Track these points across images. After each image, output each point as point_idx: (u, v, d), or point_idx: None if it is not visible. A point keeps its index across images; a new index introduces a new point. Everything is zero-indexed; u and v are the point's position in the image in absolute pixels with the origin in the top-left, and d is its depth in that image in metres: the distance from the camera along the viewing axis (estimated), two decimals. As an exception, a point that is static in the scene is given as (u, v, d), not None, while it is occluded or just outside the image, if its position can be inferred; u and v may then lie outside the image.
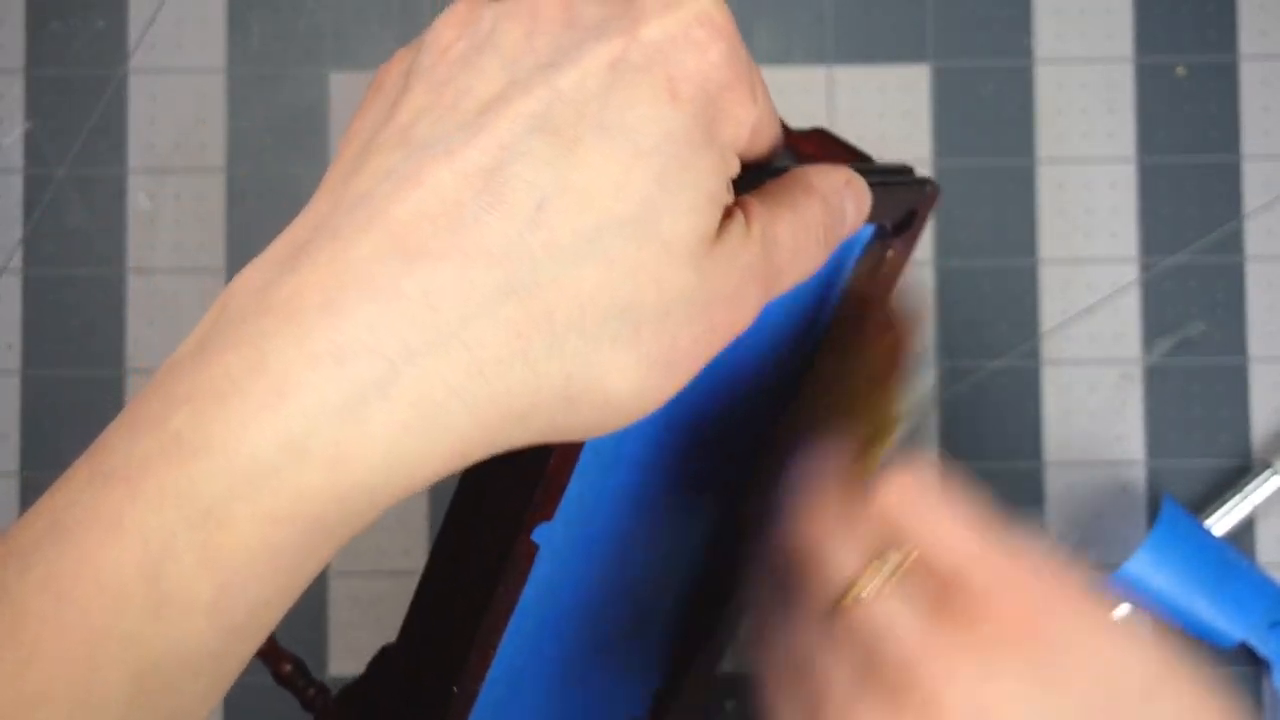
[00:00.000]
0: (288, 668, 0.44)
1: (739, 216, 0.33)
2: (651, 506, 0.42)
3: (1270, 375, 0.55)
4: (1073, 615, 0.34)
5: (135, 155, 0.56)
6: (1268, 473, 0.54)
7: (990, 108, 0.56)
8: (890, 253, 0.42)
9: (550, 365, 0.30)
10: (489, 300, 0.29)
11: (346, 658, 0.55)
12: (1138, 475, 0.55)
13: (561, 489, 0.36)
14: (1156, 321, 0.56)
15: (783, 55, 0.57)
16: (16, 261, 0.56)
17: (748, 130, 0.32)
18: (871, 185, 0.36)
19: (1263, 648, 0.53)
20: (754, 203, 0.33)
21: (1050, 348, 0.56)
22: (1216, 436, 0.55)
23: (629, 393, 0.31)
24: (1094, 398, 0.55)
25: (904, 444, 0.39)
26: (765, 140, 0.34)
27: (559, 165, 0.30)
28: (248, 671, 0.56)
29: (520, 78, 0.31)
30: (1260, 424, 0.55)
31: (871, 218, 0.37)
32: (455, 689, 0.38)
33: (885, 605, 0.36)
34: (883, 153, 0.56)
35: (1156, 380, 0.55)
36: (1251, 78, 0.56)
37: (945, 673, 0.34)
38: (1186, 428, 0.55)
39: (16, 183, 0.56)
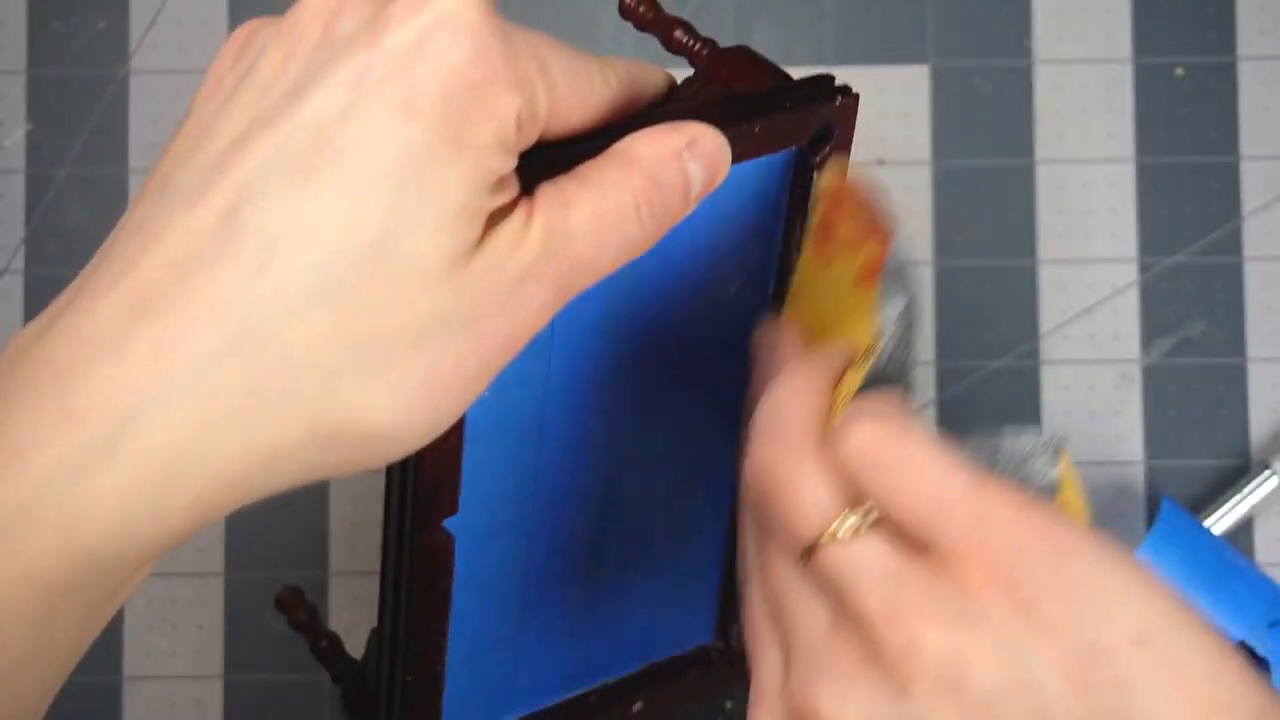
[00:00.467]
0: (302, 615, 0.44)
1: (517, 216, 0.32)
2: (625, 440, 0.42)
3: (1269, 375, 0.55)
4: (1056, 558, 0.32)
5: (136, 155, 0.56)
6: (1266, 473, 0.54)
7: (990, 108, 0.56)
8: (818, 173, 0.40)
9: (290, 411, 0.30)
10: (219, 353, 0.29)
11: (347, 657, 0.55)
12: (1136, 475, 0.55)
13: (451, 486, 0.36)
14: (1155, 322, 0.56)
15: (783, 55, 0.57)
16: (18, 262, 0.56)
17: (514, 122, 0.31)
18: (774, 112, 0.36)
19: (1261, 647, 0.53)
20: (543, 195, 0.32)
21: (1049, 348, 0.56)
22: (1215, 436, 0.55)
23: (389, 425, 0.30)
24: (1093, 398, 0.55)
25: (886, 373, 0.37)
26: (578, 113, 0.33)
27: (291, 202, 0.30)
28: (250, 669, 0.56)
29: (267, 110, 0.31)
30: (1259, 424, 0.55)
31: (780, 143, 0.36)
32: (410, 678, 0.39)
33: (861, 548, 0.34)
34: (883, 153, 0.56)
35: (1155, 380, 0.55)
36: (1250, 78, 0.56)
37: (923, 621, 0.33)
38: (1185, 428, 0.55)
39: (18, 183, 0.56)
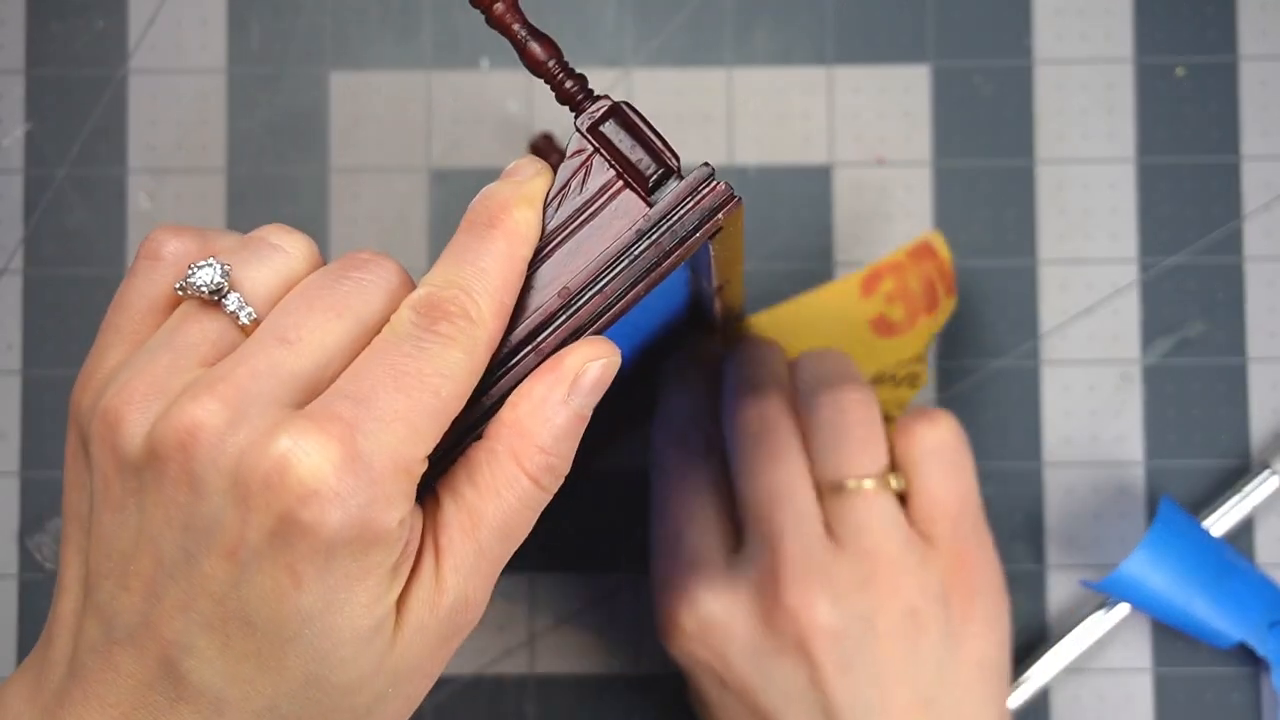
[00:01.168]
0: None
1: (426, 571, 0.36)
2: None
3: (1269, 376, 0.55)
4: (990, 578, 0.50)
5: (135, 156, 0.56)
6: (1266, 473, 0.54)
7: (990, 108, 0.56)
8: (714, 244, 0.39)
9: None
10: None
11: (347, 657, 0.55)
12: (1136, 475, 0.55)
13: None
14: (1156, 322, 0.56)
15: (783, 55, 0.57)
16: (17, 262, 0.56)
17: (398, 531, 0.35)
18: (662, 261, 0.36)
19: (1261, 648, 0.53)
20: (446, 529, 0.37)
21: (1049, 348, 0.56)
22: (1215, 437, 0.55)
23: None
24: (1093, 398, 0.55)
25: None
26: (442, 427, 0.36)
27: (222, 662, 0.35)
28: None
29: (167, 563, 0.35)
30: (1259, 424, 0.55)
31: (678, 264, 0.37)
32: None
33: (881, 501, 0.48)
34: (883, 153, 0.56)
35: (1155, 381, 0.55)
36: (1251, 78, 0.56)
37: (915, 570, 0.48)
38: (1185, 428, 0.55)
39: (17, 183, 0.56)
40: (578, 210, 0.37)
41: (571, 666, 0.55)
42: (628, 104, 0.37)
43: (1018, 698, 0.53)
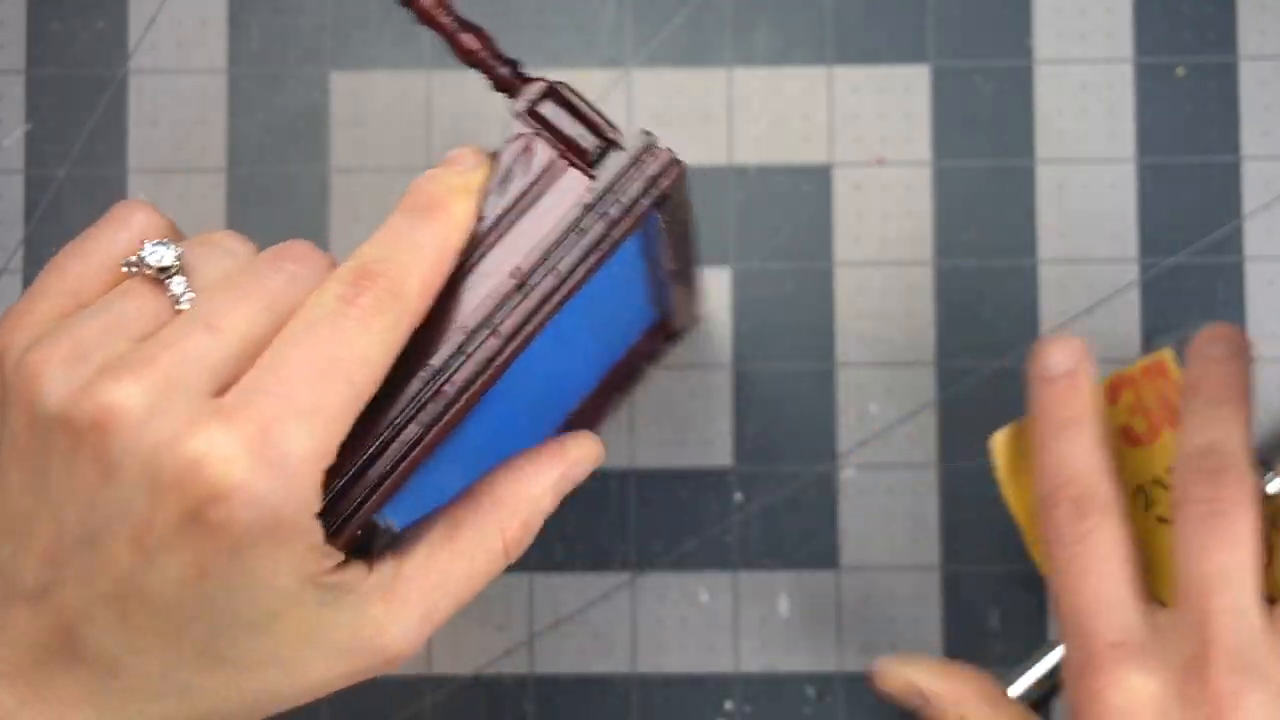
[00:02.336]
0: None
1: (367, 611, 0.39)
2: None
3: (1270, 376, 0.55)
4: None
5: (136, 156, 0.56)
6: (1269, 475, 0.54)
7: (990, 108, 0.56)
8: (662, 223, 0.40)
9: None
10: None
11: (347, 657, 0.55)
12: (1137, 475, 0.55)
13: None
14: (1156, 322, 0.56)
15: (783, 55, 0.57)
16: (17, 262, 0.56)
17: (314, 522, 0.36)
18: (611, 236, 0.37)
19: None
20: (405, 588, 0.39)
21: (1050, 348, 0.56)
22: (1216, 437, 0.55)
23: None
24: (1093, 398, 0.55)
25: None
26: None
27: (120, 631, 0.36)
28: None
29: (67, 545, 0.36)
30: (1259, 424, 0.55)
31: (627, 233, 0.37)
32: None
33: None
34: (883, 153, 0.56)
35: (1156, 380, 0.55)
36: (1251, 78, 0.56)
37: None
38: (1186, 428, 0.55)
39: (17, 183, 0.56)
40: (522, 193, 0.37)
41: (571, 666, 0.55)
42: (563, 83, 0.37)
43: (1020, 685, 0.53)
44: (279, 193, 0.56)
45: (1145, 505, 0.53)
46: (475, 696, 0.55)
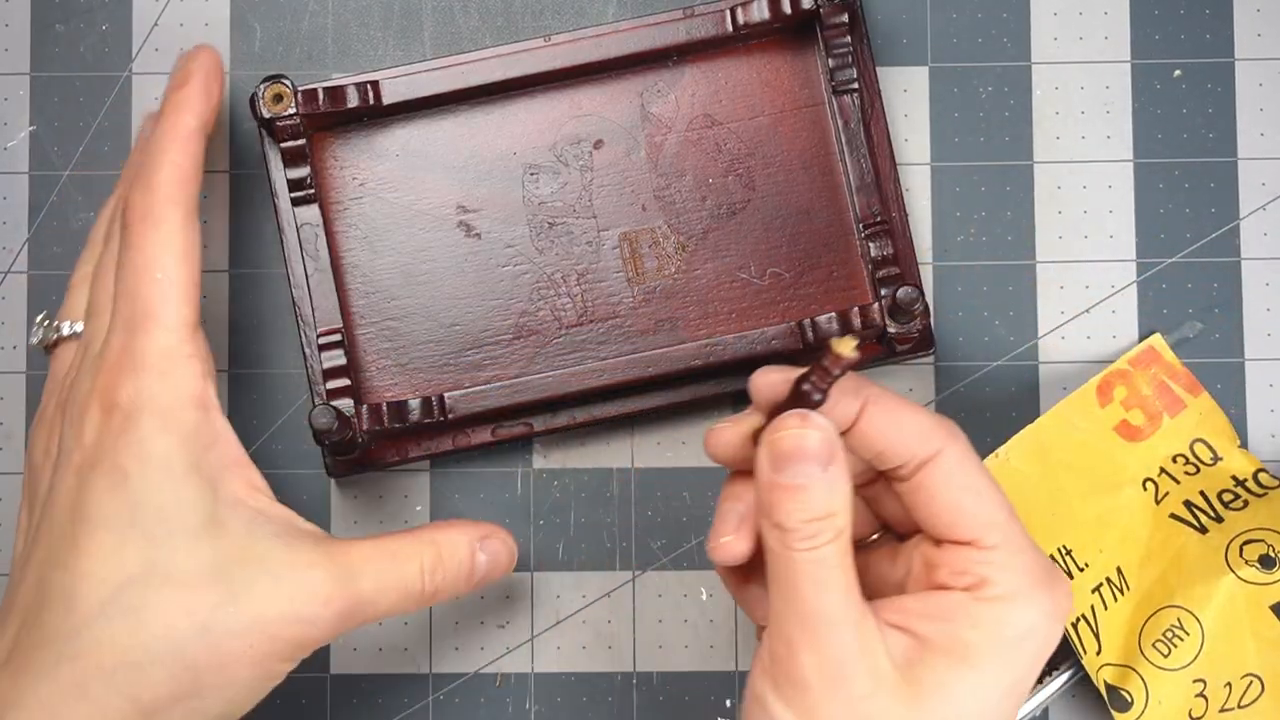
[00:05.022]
0: None
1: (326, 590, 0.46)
2: None
3: (1267, 375, 0.56)
4: None
5: (139, 157, 0.56)
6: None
7: (988, 109, 0.56)
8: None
9: (111, 698, 0.43)
10: (53, 665, 0.43)
11: (348, 656, 0.55)
12: (1135, 475, 0.55)
13: None
14: (1154, 322, 0.56)
15: (782, 57, 0.57)
16: (21, 263, 0.56)
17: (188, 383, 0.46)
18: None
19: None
20: (340, 556, 0.47)
21: (1048, 348, 0.56)
22: (1213, 436, 0.55)
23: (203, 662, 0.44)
24: (1091, 398, 0.55)
25: None
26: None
27: (74, 561, 0.44)
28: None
29: (42, 497, 0.47)
30: (1258, 424, 0.55)
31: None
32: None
33: None
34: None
35: (1153, 380, 0.56)
36: (1247, 79, 0.56)
37: None
38: (1183, 427, 0.55)
39: (22, 184, 0.57)
40: None
41: (572, 666, 0.55)
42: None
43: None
44: (281, 194, 0.56)
45: (1156, 499, 0.53)
46: (475, 696, 0.55)
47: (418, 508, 0.56)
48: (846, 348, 0.41)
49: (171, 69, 0.50)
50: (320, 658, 0.55)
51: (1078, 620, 0.52)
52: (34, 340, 0.51)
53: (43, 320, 0.51)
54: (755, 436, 0.44)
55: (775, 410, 0.43)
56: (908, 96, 0.56)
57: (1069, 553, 0.53)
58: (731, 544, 0.44)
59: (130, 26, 0.57)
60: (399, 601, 0.47)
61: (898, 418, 0.43)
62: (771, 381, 0.44)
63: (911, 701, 0.41)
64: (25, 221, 0.56)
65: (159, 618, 0.43)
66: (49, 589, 0.44)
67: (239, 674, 0.44)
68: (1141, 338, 0.56)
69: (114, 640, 0.43)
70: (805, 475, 0.41)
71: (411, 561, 0.48)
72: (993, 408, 0.56)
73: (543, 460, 0.56)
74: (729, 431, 0.44)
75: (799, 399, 0.42)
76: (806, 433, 0.41)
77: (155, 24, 0.57)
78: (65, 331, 0.50)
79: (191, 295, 0.46)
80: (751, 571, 0.46)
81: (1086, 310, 0.56)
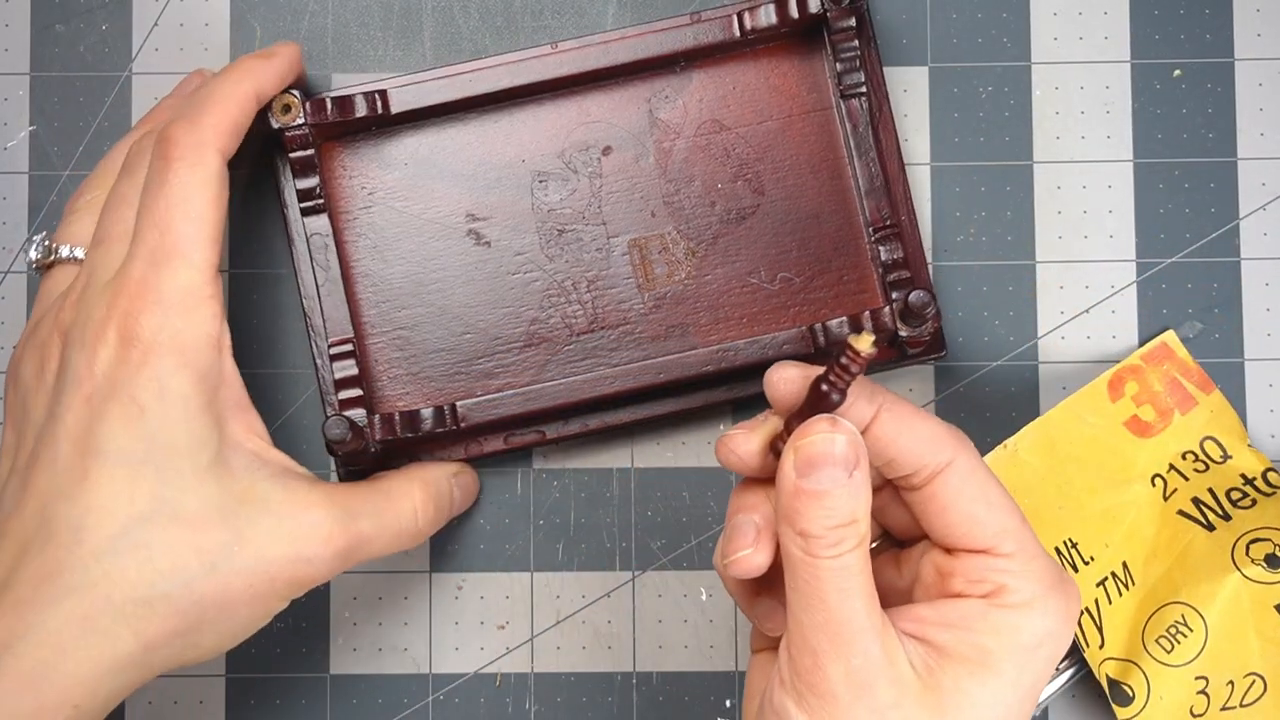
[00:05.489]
0: None
1: (322, 521, 0.47)
2: None
3: (1267, 375, 0.56)
4: None
5: (139, 157, 0.56)
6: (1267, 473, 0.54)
7: (988, 109, 0.56)
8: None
9: (120, 631, 0.43)
10: (58, 598, 0.43)
11: (348, 656, 0.55)
12: (1135, 475, 0.55)
13: None
14: (1154, 322, 0.56)
15: (782, 57, 0.57)
16: (21, 262, 0.56)
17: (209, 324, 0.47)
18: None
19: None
20: (338, 499, 0.48)
21: (1047, 348, 0.56)
22: (1213, 436, 0.55)
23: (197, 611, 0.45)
24: (1091, 398, 0.55)
25: None
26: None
27: (80, 494, 0.44)
28: (252, 668, 0.57)
29: (40, 430, 0.47)
30: (1257, 424, 0.55)
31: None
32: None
33: None
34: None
35: (1153, 380, 0.56)
36: (1247, 79, 0.56)
37: None
38: (1183, 427, 0.55)
39: (21, 184, 0.57)
40: None
41: (572, 665, 0.55)
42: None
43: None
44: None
45: (1164, 495, 0.53)
46: (475, 696, 0.55)
47: (418, 508, 0.56)
48: (865, 344, 0.41)
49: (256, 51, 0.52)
50: (320, 658, 0.55)
51: (1081, 614, 0.52)
52: (32, 257, 0.51)
53: (42, 240, 0.51)
54: (772, 443, 0.43)
55: (795, 415, 0.43)
56: (908, 96, 0.56)
57: (1074, 546, 0.53)
58: (750, 557, 0.43)
59: (130, 26, 0.57)
60: (394, 540, 0.49)
61: (911, 424, 0.43)
62: (789, 378, 0.43)
63: (935, 709, 0.41)
64: (25, 221, 0.56)
65: (168, 555, 0.44)
66: (54, 520, 0.44)
67: (238, 612, 0.45)
68: (1142, 338, 0.56)
69: (124, 575, 0.43)
70: (832, 480, 0.41)
71: (405, 500, 0.49)
72: (993, 408, 0.56)
73: (543, 460, 0.56)
74: (744, 438, 0.44)
75: (818, 400, 0.42)
76: (835, 437, 0.41)
77: (155, 24, 0.57)
78: (64, 254, 0.50)
79: (218, 240, 0.47)
80: (764, 584, 0.46)
81: (1086, 310, 0.56)
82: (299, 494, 0.46)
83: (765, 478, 0.44)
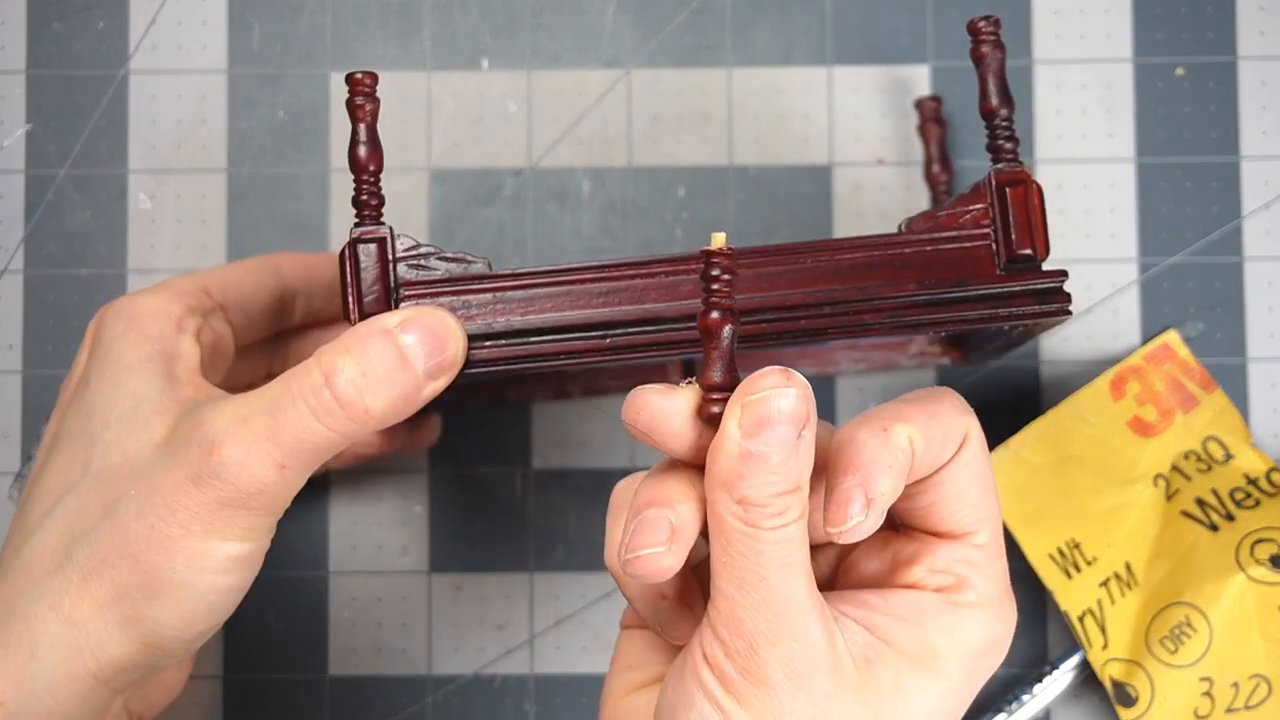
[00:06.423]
0: None
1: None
2: None
3: (1270, 375, 0.55)
4: None
5: (136, 155, 0.56)
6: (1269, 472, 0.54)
7: (989, 108, 0.56)
8: None
9: (34, 609, 0.41)
10: (44, 612, 0.41)
11: (347, 657, 0.55)
12: (1137, 475, 0.55)
13: None
14: (1155, 321, 0.56)
15: (783, 55, 0.57)
16: (18, 262, 0.56)
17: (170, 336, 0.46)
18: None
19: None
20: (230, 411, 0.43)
21: (1049, 348, 0.56)
22: (1215, 436, 0.55)
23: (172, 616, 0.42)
24: (1093, 398, 0.55)
25: None
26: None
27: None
28: (250, 669, 0.57)
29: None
30: (1259, 424, 0.55)
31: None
32: None
33: None
34: (883, 153, 0.56)
35: (1155, 380, 0.55)
36: (1250, 78, 0.56)
37: None
38: (1185, 428, 0.55)
39: (18, 183, 0.56)
40: None
41: (572, 666, 0.55)
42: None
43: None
44: (279, 193, 0.56)
45: (1167, 495, 0.53)
46: (475, 696, 0.55)
47: (416, 508, 0.55)
48: (719, 240, 0.37)
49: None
50: (319, 659, 0.55)
51: (1084, 614, 0.52)
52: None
53: None
54: (700, 407, 0.38)
55: (704, 367, 0.37)
56: (909, 95, 0.56)
57: (1077, 546, 0.52)
58: (659, 556, 0.37)
59: (127, 24, 0.57)
60: (338, 428, 0.41)
61: (930, 427, 0.39)
62: (651, 405, 0.38)
63: (872, 707, 0.38)
64: (21, 220, 0.56)
65: (81, 517, 0.42)
66: (13, 524, 0.45)
67: (159, 565, 0.40)
68: (1144, 337, 0.55)
69: (44, 546, 0.42)
70: (780, 441, 0.36)
71: (311, 372, 0.40)
72: (993, 408, 0.55)
73: (542, 461, 0.56)
74: (662, 398, 0.38)
75: (711, 331, 0.37)
76: (787, 391, 0.36)
77: (152, 22, 0.57)
78: None
79: (213, 300, 0.48)
80: (669, 586, 0.41)
81: (1088, 310, 0.56)
82: (206, 412, 0.41)
83: (686, 458, 0.38)
